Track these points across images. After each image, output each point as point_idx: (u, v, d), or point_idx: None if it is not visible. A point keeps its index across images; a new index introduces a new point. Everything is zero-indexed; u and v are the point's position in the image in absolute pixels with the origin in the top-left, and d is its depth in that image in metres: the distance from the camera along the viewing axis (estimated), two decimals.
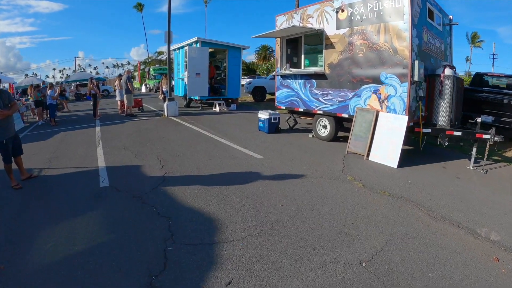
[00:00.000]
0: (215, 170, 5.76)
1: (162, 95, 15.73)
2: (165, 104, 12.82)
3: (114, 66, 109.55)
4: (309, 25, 8.38)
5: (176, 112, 12.88)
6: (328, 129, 8.35)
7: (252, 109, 15.43)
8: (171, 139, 8.48)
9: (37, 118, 13.20)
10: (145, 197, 4.44)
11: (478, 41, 61.89)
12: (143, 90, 30.60)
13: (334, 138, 8.27)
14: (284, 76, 9.47)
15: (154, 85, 30.49)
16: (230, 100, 15.57)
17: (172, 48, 17.71)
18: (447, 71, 6.65)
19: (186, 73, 14.66)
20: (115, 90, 24.73)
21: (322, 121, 8.56)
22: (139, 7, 62.51)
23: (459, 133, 6.34)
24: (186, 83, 14.86)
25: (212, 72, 15.33)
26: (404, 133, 6.24)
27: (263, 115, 9.25)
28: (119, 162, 6.30)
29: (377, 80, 6.94)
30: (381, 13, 6.74)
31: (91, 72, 59.92)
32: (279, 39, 9.62)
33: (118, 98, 14.26)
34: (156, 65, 35.29)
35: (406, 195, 4.65)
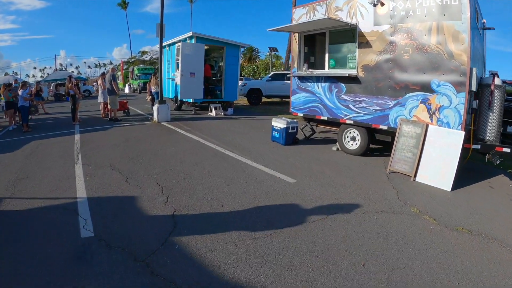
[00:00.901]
0: (242, 203, 4.19)
1: (150, 97, 13.94)
2: (154, 108, 11.08)
3: (96, 66, 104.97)
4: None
5: (168, 117, 11.16)
6: (358, 142, 6.97)
7: (250, 114, 13.90)
8: (169, 153, 6.82)
9: (8, 122, 11.13)
10: (154, 262, 2.81)
11: None
12: (127, 90, 28.33)
13: (365, 152, 6.92)
14: (302, 78, 7.98)
15: (138, 85, 28.32)
16: (224, 104, 13.93)
17: None
18: (497, 81, 5.65)
19: (178, 73, 12.96)
20: (97, 91, 22.81)
21: (350, 132, 7.15)
22: (124, 4, 59.16)
23: (508, 150, 5.38)
24: (178, 83, 13.16)
25: (208, 72, 13.65)
26: (460, 151, 5.18)
27: (279, 123, 7.74)
28: (105, 190, 4.61)
29: (426, 88, 5.73)
30: (433, 9, 5.55)
31: (72, 71, 56.33)
32: (296, 35, 8.15)
33: (100, 100, 12.37)
34: (141, 65, 33.05)
35: (484, 231, 3.72)
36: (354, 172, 5.80)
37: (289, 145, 7.66)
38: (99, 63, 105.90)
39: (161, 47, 11.14)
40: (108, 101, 11.37)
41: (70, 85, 10.99)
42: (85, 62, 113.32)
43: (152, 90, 13.48)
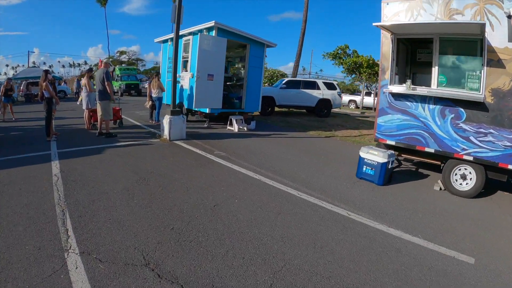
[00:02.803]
0: None
1: (150, 103, 10.62)
2: (165, 121, 7.87)
3: (70, 65, 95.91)
4: None
5: (183, 133, 8.01)
6: (471, 182, 5.14)
7: (273, 128, 11.02)
8: (238, 213, 3.83)
9: None
10: None
11: None
12: None
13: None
14: (398, 96, 5.75)
15: (120, 87, 24.29)
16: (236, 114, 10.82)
17: (160, 39, 12.70)
18: None
19: (186, 74, 9.92)
20: (76, 93, 18.95)
21: (460, 170, 5.24)
22: (103, 1, 53.23)
23: None
24: (186, 87, 10.10)
25: None
26: None
27: (375, 156, 5.32)
28: None
29: None
30: None
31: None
32: (391, 37, 5.78)
33: (85, 106, 8.93)
34: (123, 65, 28.88)
35: None
36: (496, 228, 4.05)
37: (386, 185, 5.37)
38: (73, 63, 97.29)
39: (177, 35, 7.90)
40: (98, 108, 8.00)
41: (44, 84, 7.46)
42: (59, 61, 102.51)
43: (153, 95, 10.19)
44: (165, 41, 12.22)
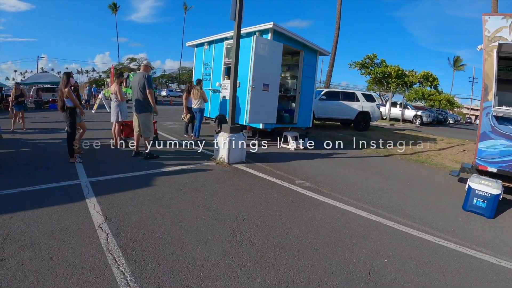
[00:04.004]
0: None
1: (188, 115, 8.95)
2: (221, 139, 6.22)
3: (78, 72, 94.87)
4: None
5: (243, 155, 6.38)
6: None
7: (321, 145, 9.27)
8: (400, 280, 2.34)
9: None
10: None
11: (461, 65, 62.40)
12: None
13: None
14: (502, 120, 5.02)
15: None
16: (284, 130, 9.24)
17: (194, 42, 11.15)
18: None
19: (227, 82, 8.24)
20: (86, 101, 17.29)
21: None
22: (114, 8, 51.95)
23: None
24: (228, 98, 8.41)
25: None
26: None
27: (488, 187, 4.45)
28: None
29: None
30: None
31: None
32: (494, 53, 4.99)
33: (114, 118, 7.27)
34: (137, 71, 27.34)
35: None
36: None
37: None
38: (81, 69, 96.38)
39: (238, 35, 6.27)
40: (135, 123, 6.36)
41: (66, 90, 5.70)
42: (67, 68, 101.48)
43: (194, 106, 8.52)
44: (200, 45, 10.68)
